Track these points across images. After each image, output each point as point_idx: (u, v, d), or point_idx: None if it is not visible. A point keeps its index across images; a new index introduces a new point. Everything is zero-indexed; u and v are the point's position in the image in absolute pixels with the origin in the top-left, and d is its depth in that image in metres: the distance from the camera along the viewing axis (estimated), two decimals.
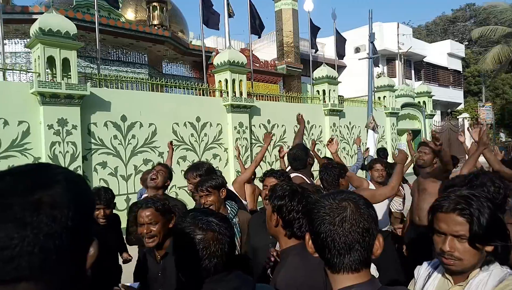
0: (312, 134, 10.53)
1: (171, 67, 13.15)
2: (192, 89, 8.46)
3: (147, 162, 6.90)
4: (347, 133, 11.92)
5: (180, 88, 8.24)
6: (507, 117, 25.41)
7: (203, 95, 8.43)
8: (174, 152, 7.39)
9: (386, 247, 3.56)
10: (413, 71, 23.03)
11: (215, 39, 17.22)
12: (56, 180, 0.58)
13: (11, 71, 6.44)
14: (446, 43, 25.77)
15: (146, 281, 2.05)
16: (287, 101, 10.50)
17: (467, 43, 27.85)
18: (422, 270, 1.50)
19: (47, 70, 5.84)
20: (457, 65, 25.63)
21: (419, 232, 3.58)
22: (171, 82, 8.02)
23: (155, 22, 11.94)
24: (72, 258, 0.58)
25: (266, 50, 18.52)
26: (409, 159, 6.34)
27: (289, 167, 3.60)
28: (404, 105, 14.15)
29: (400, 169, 2.97)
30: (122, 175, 6.64)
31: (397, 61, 21.02)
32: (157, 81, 7.75)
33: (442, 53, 24.31)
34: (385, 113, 13.28)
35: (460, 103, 25.61)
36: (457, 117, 22.73)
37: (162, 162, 7.09)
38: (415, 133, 14.94)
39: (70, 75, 6.04)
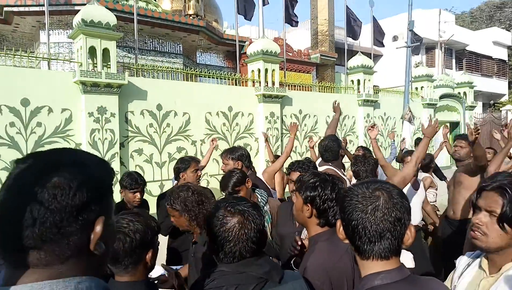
0: (345, 125, 10.38)
1: (205, 57, 13.30)
2: (225, 79, 8.55)
3: (181, 150, 7.10)
4: (382, 124, 11.65)
5: (213, 77, 8.37)
6: None
7: (236, 84, 8.50)
8: (207, 141, 7.57)
9: (414, 242, 3.51)
10: (454, 60, 22.02)
11: (249, 28, 17.22)
12: (64, 163, 0.66)
13: (55, 60, 6.78)
14: (492, 30, 24.37)
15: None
16: (319, 91, 10.39)
17: None
18: (463, 260, 1.53)
19: (88, 60, 6.11)
20: (503, 54, 24.23)
21: (454, 226, 3.52)
22: (205, 72, 8.15)
23: (191, 11, 12.08)
24: (75, 232, 0.65)
25: (300, 38, 18.30)
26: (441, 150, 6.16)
27: (320, 159, 3.59)
28: (443, 96, 13.60)
29: (426, 142, 2.87)
30: (157, 162, 6.88)
31: (437, 50, 20.16)
32: (191, 71, 7.90)
33: (487, 41, 23.02)
34: (422, 104, 12.84)
35: (504, 94, 24.28)
36: (500, 109, 21.56)
37: (195, 150, 7.29)
38: (454, 125, 14.36)
39: (110, 64, 6.28)
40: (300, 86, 10.04)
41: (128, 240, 1.34)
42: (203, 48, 13.03)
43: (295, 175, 2.57)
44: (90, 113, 6.02)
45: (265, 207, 2.65)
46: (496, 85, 23.48)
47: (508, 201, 1.24)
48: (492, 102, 23.95)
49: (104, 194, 0.71)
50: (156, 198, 3.47)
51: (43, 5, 7.66)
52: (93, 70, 6.10)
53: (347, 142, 5.61)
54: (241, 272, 1.23)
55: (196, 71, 8.03)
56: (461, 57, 22.30)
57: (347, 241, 1.09)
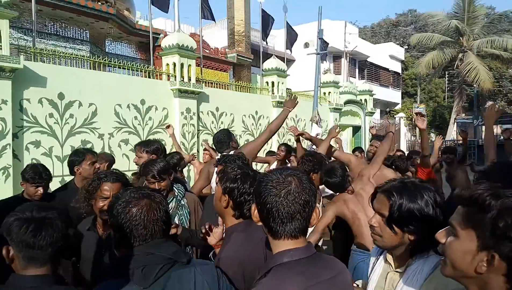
0: (260, 124, 10.63)
1: (115, 46, 12.50)
2: (138, 71, 8.12)
3: (86, 144, 6.53)
4: (293, 125, 12.20)
5: (124, 68, 7.87)
6: (438, 118, 27.59)
7: (149, 77, 8.13)
8: (116, 135, 7.09)
9: None
10: (357, 70, 24.09)
11: (164, 21, 16.64)
12: None
13: None
14: (388, 45, 27.25)
15: (84, 257, 2.01)
16: (236, 90, 10.48)
17: (406, 47, 29.67)
18: (372, 254, 1.61)
19: None
20: (397, 67, 27.25)
21: None
22: (115, 62, 7.63)
23: None
24: None
25: (217, 37, 18.29)
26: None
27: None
28: (347, 102, 14.77)
29: (283, 114, 3.58)
30: (57, 155, 6.23)
31: (343, 59, 21.84)
32: (100, 60, 7.33)
33: (384, 54, 25.66)
34: (329, 108, 13.77)
35: (398, 103, 27.31)
36: (394, 116, 24.25)
37: (102, 144, 6.79)
38: (356, 129, 15.68)
39: (1, 46, 5.52)
40: (217, 84, 10.00)
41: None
42: (114, 37, 12.23)
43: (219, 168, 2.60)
44: None
45: (182, 201, 2.64)
46: (391, 94, 26.29)
47: (396, 204, 1.30)
48: (388, 109, 26.79)
49: None
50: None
51: None
52: None
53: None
54: (149, 254, 1.21)
55: (105, 60, 7.47)
56: (363, 67, 24.50)
57: (260, 224, 1.17)
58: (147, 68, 8.20)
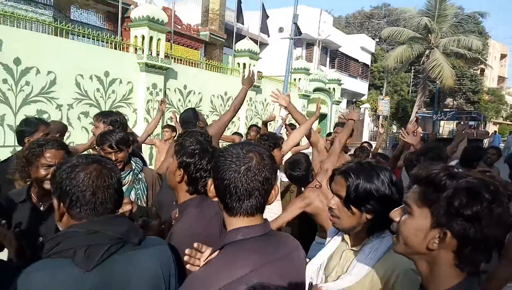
0: (229, 105, 10.52)
1: (81, 14, 11.85)
2: (103, 41, 7.74)
3: (42, 114, 6.20)
4: (262, 109, 12.19)
5: (89, 37, 7.48)
6: (400, 111, 28.50)
7: (116, 49, 7.78)
8: (76, 107, 6.77)
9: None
10: (328, 59, 24.27)
11: None
12: None
13: None
14: (361, 36, 27.60)
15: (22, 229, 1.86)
16: (207, 69, 10.27)
17: (378, 40, 30.17)
18: (329, 235, 1.62)
19: None
20: (367, 59, 27.72)
21: None
22: (79, 29, 7.23)
23: None
24: None
25: (190, 13, 17.75)
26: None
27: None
28: (316, 89, 14.90)
29: (242, 92, 3.50)
30: (10, 124, 5.88)
31: (315, 47, 21.91)
32: (63, 26, 6.91)
33: (356, 45, 25.99)
34: (298, 94, 13.84)
35: (364, 94, 27.90)
36: (360, 106, 24.79)
37: (60, 115, 6.49)
38: (323, 116, 15.90)
39: None
40: (187, 61, 9.75)
41: None
42: (80, 4, 11.58)
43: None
44: None
45: (139, 175, 2.55)
46: (359, 85, 26.79)
47: (351, 184, 1.32)
48: (354, 100, 27.33)
49: None
50: None
51: None
52: None
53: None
54: (94, 232, 1.08)
55: (69, 27, 7.06)
56: (335, 56, 24.71)
57: (216, 199, 1.12)
58: (114, 39, 7.84)
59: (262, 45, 18.44)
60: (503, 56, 46.84)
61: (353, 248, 1.41)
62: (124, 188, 2.42)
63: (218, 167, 1.07)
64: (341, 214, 1.36)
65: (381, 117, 23.11)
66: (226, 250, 1.07)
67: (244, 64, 11.12)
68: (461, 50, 22.96)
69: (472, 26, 31.19)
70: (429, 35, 23.35)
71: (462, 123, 3.52)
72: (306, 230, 3.10)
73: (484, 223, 0.84)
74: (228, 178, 1.05)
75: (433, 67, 22.13)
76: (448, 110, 27.25)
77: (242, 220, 1.08)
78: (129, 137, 2.54)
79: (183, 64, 9.40)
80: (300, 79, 14.10)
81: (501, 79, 46.96)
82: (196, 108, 9.20)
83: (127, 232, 1.13)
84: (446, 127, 27.41)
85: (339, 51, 24.46)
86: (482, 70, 36.64)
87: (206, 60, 11.06)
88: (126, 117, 3.26)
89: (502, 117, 39.73)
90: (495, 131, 30.28)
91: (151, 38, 7.82)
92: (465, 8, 40.98)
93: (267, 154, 1.10)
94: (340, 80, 16.33)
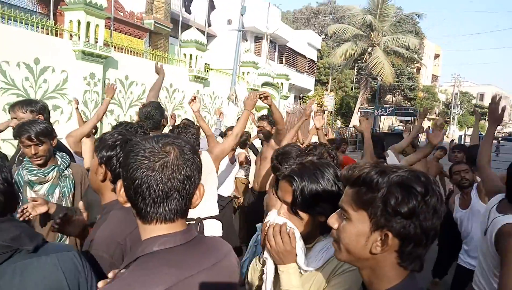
0: (174, 98, 10.15)
1: None
2: (34, 26, 7.04)
3: None
4: (210, 103, 11.94)
5: (17, 20, 6.75)
6: (344, 107, 29.63)
7: (48, 34, 7.12)
8: (0, 97, 6.10)
9: (226, 211, 3.60)
10: (276, 53, 24.45)
11: None
12: None
13: None
14: (307, 32, 28.12)
15: None
16: (151, 59, 9.80)
17: (324, 36, 30.97)
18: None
19: None
20: (313, 55, 28.34)
21: (256, 196, 3.85)
22: (5, 11, 6.49)
23: None
24: None
25: (133, 0, 16.89)
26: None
27: None
28: (264, 84, 14.93)
29: (246, 116, 2.96)
30: None
31: (263, 41, 21.95)
32: None
33: (303, 41, 26.45)
34: (247, 88, 13.77)
35: (311, 90, 28.57)
36: (306, 102, 25.35)
37: None
38: (269, 111, 16.00)
39: None
40: (129, 50, 9.21)
41: None
42: None
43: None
44: None
45: (65, 171, 2.28)
46: (306, 81, 27.34)
47: (296, 188, 1.22)
48: (301, 95, 27.88)
49: None
50: None
51: None
52: None
53: (175, 118, 5.34)
54: None
55: None
56: (283, 51, 24.96)
57: (128, 205, 0.94)
58: (46, 23, 7.16)
59: (210, 37, 18.10)
60: (436, 56, 50.53)
61: (306, 246, 1.33)
62: (47, 185, 2.24)
63: (128, 165, 0.89)
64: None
65: (326, 112, 23.82)
66: (137, 264, 0.89)
67: (191, 55, 10.78)
68: (399, 48, 24.31)
69: (410, 26, 33.14)
70: (372, 33, 24.41)
71: (367, 118, 3.66)
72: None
73: (421, 217, 0.81)
74: (140, 177, 0.87)
75: (374, 64, 23.21)
76: (388, 106, 28.79)
77: (159, 227, 0.91)
78: (52, 128, 2.24)
79: (126, 53, 8.87)
80: (248, 72, 14.01)
81: (434, 77, 50.67)
82: (139, 100, 8.78)
83: (19, 238, 0.98)
84: (386, 122, 28.95)
85: (287, 46, 24.73)
86: (418, 69, 39.21)
87: (150, 50, 10.56)
88: (59, 109, 2.90)
89: (435, 113, 42.89)
90: (429, 127, 32.58)
91: (88, 23, 7.25)
92: (404, 9, 43.42)
93: (188, 147, 0.94)
94: (287, 75, 16.51)
